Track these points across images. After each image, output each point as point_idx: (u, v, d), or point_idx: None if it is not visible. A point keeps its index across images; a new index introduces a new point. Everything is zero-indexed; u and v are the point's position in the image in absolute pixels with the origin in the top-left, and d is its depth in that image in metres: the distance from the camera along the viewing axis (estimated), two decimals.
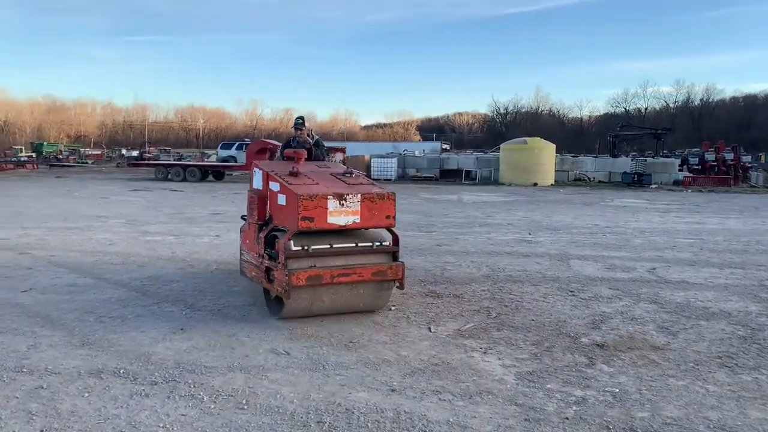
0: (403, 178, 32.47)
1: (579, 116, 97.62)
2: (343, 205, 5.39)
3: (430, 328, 5.58)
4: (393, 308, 6.22)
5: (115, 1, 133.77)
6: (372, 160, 32.31)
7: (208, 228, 12.20)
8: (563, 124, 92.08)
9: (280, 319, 5.66)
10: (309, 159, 6.97)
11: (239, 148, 39.52)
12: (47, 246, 9.72)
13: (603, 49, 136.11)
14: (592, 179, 31.16)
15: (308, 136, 7.44)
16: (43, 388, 4.07)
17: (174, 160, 43.40)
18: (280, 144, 7.84)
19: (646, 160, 32.25)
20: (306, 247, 5.48)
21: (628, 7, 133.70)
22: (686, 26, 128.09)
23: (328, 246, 5.57)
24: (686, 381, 4.39)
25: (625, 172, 29.98)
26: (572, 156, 37.29)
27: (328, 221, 5.39)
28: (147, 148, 55.25)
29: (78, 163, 49.91)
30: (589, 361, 4.77)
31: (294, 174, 5.87)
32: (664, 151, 44.74)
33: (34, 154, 53.67)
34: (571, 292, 7.07)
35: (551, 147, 30.23)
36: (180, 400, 3.92)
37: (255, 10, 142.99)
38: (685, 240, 11.28)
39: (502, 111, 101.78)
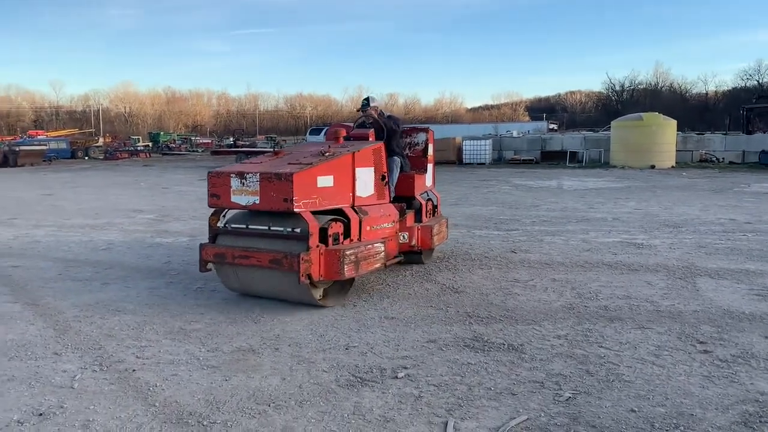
0: (499, 161, 29.55)
1: (704, 91, 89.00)
2: (243, 184, 5.07)
3: (446, 426, 3.22)
4: (402, 372, 3.89)
5: None
6: (464, 143, 29.53)
7: None
8: (686, 101, 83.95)
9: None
10: (380, 138, 6.54)
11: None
12: (11, 251, 8.15)
13: (730, 20, 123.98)
14: (721, 160, 26.85)
15: (378, 115, 6.88)
16: None
17: (271, 147, 43.07)
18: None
19: None
20: (228, 226, 5.44)
21: None
22: None
23: (244, 226, 5.34)
24: None
25: (763, 151, 25.41)
26: (697, 134, 32.64)
27: (232, 200, 5.15)
28: (241, 137, 55.70)
29: (189, 151, 50.72)
30: None
31: (275, 153, 5.80)
32: None
33: (150, 144, 55.35)
34: (702, 343, 4.42)
35: (672, 123, 26.25)
36: None
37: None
38: None
39: (617, 88, 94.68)
